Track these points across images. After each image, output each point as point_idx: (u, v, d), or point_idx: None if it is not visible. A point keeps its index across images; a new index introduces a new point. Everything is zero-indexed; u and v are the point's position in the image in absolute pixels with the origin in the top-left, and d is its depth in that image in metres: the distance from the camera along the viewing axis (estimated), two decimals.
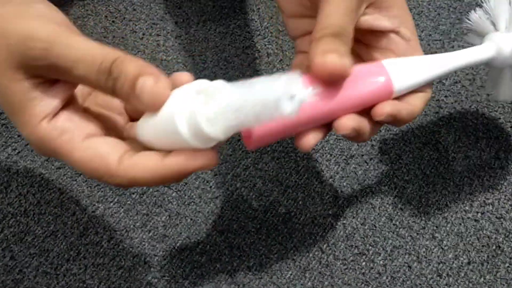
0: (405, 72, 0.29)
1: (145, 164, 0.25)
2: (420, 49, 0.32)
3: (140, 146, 0.27)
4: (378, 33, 0.32)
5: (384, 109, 0.29)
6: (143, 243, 0.41)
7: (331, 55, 0.26)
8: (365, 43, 0.33)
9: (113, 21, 0.50)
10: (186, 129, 0.24)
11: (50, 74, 0.25)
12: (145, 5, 0.51)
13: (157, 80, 0.25)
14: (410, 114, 0.30)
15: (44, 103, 0.25)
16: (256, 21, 0.50)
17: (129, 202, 0.42)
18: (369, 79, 0.29)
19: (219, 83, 0.25)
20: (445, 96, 0.46)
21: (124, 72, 0.24)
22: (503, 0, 0.34)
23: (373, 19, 0.31)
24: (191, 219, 0.42)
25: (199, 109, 0.24)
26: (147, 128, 0.26)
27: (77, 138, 0.26)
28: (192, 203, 0.42)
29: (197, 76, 0.47)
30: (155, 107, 0.25)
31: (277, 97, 0.22)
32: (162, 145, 0.26)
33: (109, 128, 0.28)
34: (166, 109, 0.25)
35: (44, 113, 0.25)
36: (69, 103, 0.27)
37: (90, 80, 0.25)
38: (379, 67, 0.30)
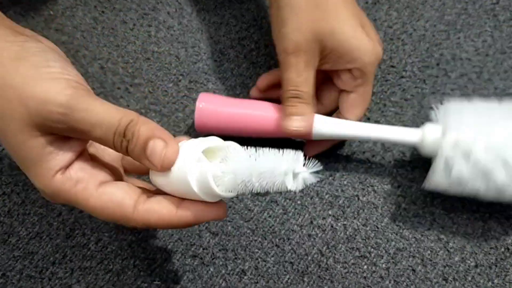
0: (326, 127, 0.37)
1: (159, 213, 0.28)
2: (367, 85, 0.38)
3: (150, 188, 0.30)
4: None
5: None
6: (133, 245, 0.39)
7: (293, 118, 0.37)
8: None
9: (102, 11, 0.48)
10: (197, 187, 0.27)
11: (66, 134, 0.27)
12: None
13: (166, 145, 0.27)
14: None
15: (59, 158, 0.27)
16: (252, 11, 0.48)
17: None
18: None
19: (231, 145, 0.28)
20: (451, 90, 0.44)
21: (136, 135, 0.27)
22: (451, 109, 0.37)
23: (331, 66, 0.38)
24: None
25: (209, 170, 0.27)
26: (161, 179, 0.29)
27: (91, 187, 0.28)
28: None
29: (191, 69, 0.45)
30: (164, 169, 0.28)
31: (282, 172, 0.26)
32: (175, 193, 0.29)
33: (116, 174, 0.31)
34: (178, 166, 0.27)
35: (59, 166, 0.27)
36: (80, 153, 0.29)
37: (106, 141, 0.27)
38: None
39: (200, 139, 0.29)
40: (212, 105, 0.39)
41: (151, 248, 0.38)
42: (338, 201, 0.40)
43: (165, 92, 0.44)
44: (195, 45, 0.46)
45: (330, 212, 0.40)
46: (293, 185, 0.27)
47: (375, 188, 0.40)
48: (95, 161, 0.30)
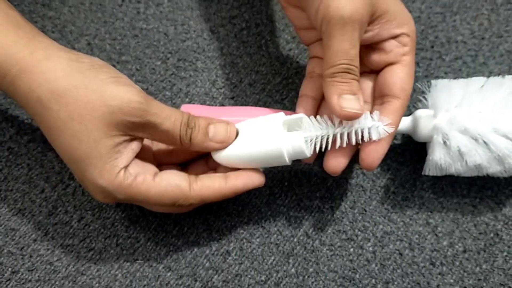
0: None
1: (212, 187, 0.33)
2: (413, 52, 0.35)
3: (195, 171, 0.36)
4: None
5: (376, 162, 0.34)
6: (116, 224, 0.38)
7: (346, 98, 0.32)
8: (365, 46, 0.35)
9: None
10: (287, 154, 0.33)
11: (138, 130, 0.32)
12: None
13: (227, 124, 0.34)
14: (392, 137, 0.34)
15: (124, 157, 0.31)
16: None
17: None
18: None
19: (303, 117, 0.34)
20: (445, 73, 0.43)
21: (198, 123, 0.33)
22: (441, 87, 0.36)
23: (372, 36, 0.34)
24: None
25: (301, 137, 0.33)
26: (237, 154, 0.34)
27: (149, 177, 0.32)
28: None
29: (179, 47, 0.44)
30: (229, 141, 0.33)
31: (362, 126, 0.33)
32: (249, 165, 0.34)
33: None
34: (264, 138, 0.33)
35: (123, 164, 0.31)
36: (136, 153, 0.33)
37: (173, 132, 0.32)
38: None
39: (262, 117, 0.34)
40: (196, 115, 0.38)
41: (135, 227, 0.38)
42: (326, 183, 0.39)
43: (152, 70, 0.43)
44: (184, 23, 0.45)
45: (317, 194, 0.39)
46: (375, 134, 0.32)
47: (364, 170, 0.40)
48: (142, 157, 0.34)
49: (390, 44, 0.34)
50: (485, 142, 0.33)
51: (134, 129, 0.31)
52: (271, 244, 0.37)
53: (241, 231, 0.38)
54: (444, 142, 0.34)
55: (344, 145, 0.33)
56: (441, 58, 0.44)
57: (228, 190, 0.33)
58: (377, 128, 0.32)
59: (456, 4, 0.46)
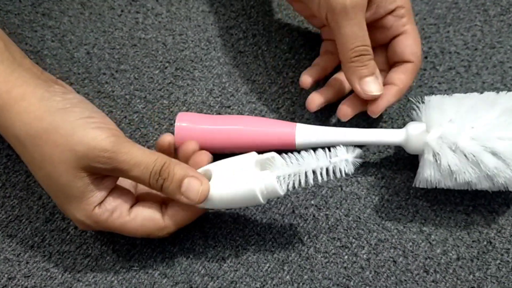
0: (309, 136, 0.38)
1: (182, 211, 0.34)
2: (412, 20, 0.38)
3: (160, 197, 0.36)
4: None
5: (379, 109, 0.38)
6: None
7: (367, 80, 0.36)
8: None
9: None
10: (260, 194, 0.33)
11: (108, 173, 0.33)
12: None
13: (201, 182, 0.33)
14: (402, 93, 0.39)
15: (97, 194, 0.32)
16: (241, 0, 0.47)
17: None
18: (281, 134, 0.39)
19: (273, 155, 0.34)
20: (439, 83, 0.44)
21: (172, 174, 0.32)
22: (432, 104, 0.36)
23: (371, 15, 0.37)
24: None
25: (273, 178, 0.33)
26: (215, 198, 0.33)
27: (125, 212, 0.33)
28: None
29: (177, 56, 0.45)
30: (199, 202, 0.33)
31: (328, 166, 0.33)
32: (227, 205, 0.35)
33: (133, 195, 0.35)
34: (236, 181, 0.33)
35: (97, 201, 0.33)
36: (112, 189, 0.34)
37: (143, 179, 0.32)
38: (292, 128, 0.39)
39: (235, 158, 0.34)
40: (191, 124, 0.39)
41: None
42: (321, 191, 0.40)
43: (150, 79, 0.44)
44: (182, 32, 0.46)
45: (312, 202, 0.39)
46: (346, 170, 0.33)
47: (359, 179, 0.40)
48: (119, 189, 0.34)
49: (388, 20, 0.37)
50: (475, 160, 0.34)
51: (103, 172, 0.32)
52: (266, 251, 0.38)
53: (237, 238, 0.38)
54: (435, 160, 0.35)
55: (320, 180, 0.33)
56: (435, 68, 0.44)
57: (200, 210, 0.35)
58: (348, 161, 0.32)
59: (449, 15, 0.47)
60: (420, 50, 0.38)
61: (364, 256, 0.38)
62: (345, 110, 0.38)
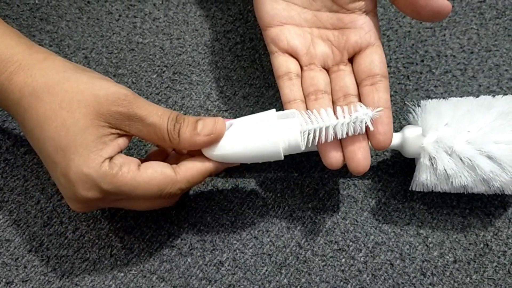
0: (307, 141, 0.36)
1: (195, 166, 0.33)
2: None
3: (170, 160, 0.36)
4: None
5: (389, 141, 0.35)
6: (110, 234, 0.38)
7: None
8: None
9: (88, 1, 0.48)
10: (282, 149, 0.33)
11: (125, 123, 0.32)
12: None
13: (215, 120, 0.33)
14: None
15: (110, 149, 0.32)
16: (239, 4, 0.48)
17: None
18: None
19: (293, 112, 0.34)
20: (435, 86, 0.44)
21: (187, 119, 0.33)
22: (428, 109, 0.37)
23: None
24: (162, 211, 0.39)
25: (297, 128, 0.33)
26: (231, 147, 0.33)
27: (134, 167, 0.32)
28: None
29: (175, 60, 0.45)
30: (216, 138, 0.33)
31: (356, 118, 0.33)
32: (243, 159, 0.34)
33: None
34: (258, 131, 0.33)
35: (108, 155, 0.31)
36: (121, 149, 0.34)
37: (159, 126, 0.32)
38: None
39: (259, 114, 0.34)
40: None
41: (129, 238, 0.38)
42: (319, 194, 0.40)
43: (148, 83, 0.44)
44: (180, 37, 0.46)
45: (310, 205, 0.40)
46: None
47: (356, 182, 0.40)
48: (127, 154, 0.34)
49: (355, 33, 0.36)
50: (471, 164, 0.34)
51: (121, 120, 0.32)
52: (264, 255, 0.38)
53: (234, 241, 0.38)
54: (431, 164, 0.35)
55: (340, 137, 0.33)
56: (431, 71, 0.45)
57: (212, 166, 0.34)
58: (368, 115, 0.32)
59: (445, 19, 0.47)
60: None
61: (362, 259, 0.38)
62: (335, 156, 0.34)
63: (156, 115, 0.32)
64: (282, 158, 0.33)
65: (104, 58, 0.45)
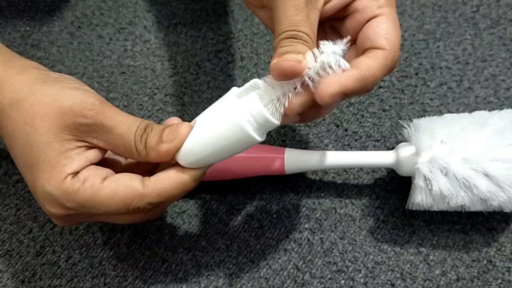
0: (298, 161, 0.36)
1: (168, 177, 0.30)
2: (391, 4, 0.30)
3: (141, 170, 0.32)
4: (347, 4, 0.31)
5: (328, 92, 0.27)
6: (104, 262, 0.38)
7: (287, 56, 0.27)
8: (336, 18, 0.32)
9: (79, 27, 0.48)
10: (250, 126, 0.28)
11: (91, 135, 0.30)
12: (113, 9, 0.49)
13: (179, 125, 0.30)
14: (364, 82, 0.28)
15: (75, 163, 0.29)
16: (229, 24, 0.47)
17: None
18: (269, 160, 0.36)
19: (255, 81, 0.29)
20: (430, 99, 0.43)
21: (155, 128, 0.30)
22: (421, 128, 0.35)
23: (337, 3, 0.31)
24: (156, 236, 0.38)
25: (257, 103, 0.27)
26: (201, 145, 0.29)
27: (98, 181, 0.29)
28: (158, 219, 0.39)
29: (166, 82, 0.45)
30: (176, 143, 0.30)
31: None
32: (217, 157, 0.29)
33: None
34: (221, 117, 0.28)
35: (72, 170, 0.29)
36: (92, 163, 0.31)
37: (127, 137, 0.30)
38: (281, 153, 0.37)
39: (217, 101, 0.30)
40: None
41: (122, 266, 0.37)
42: (315, 214, 0.39)
43: (140, 106, 0.44)
44: (171, 58, 0.46)
45: (306, 226, 0.39)
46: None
47: (353, 200, 0.39)
48: (100, 163, 0.31)
49: (361, 2, 0.30)
50: (467, 184, 0.33)
51: (87, 132, 0.30)
52: (261, 279, 0.37)
53: (230, 266, 0.37)
54: (426, 184, 0.34)
55: (313, 89, 0.27)
56: (426, 84, 0.44)
57: (188, 177, 0.30)
58: (336, 53, 0.26)
59: (439, 30, 0.46)
60: (398, 39, 0.29)
61: (361, 280, 0.37)
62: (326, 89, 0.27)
63: (125, 125, 0.30)
64: (259, 139, 0.28)
65: (95, 82, 0.45)
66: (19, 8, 0.49)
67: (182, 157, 0.30)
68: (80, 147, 0.30)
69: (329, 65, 0.26)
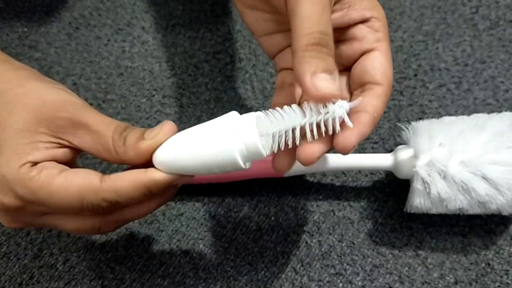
0: (296, 164, 0.31)
1: (128, 177, 0.28)
2: (387, 39, 0.31)
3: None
4: (345, 27, 0.31)
5: (351, 145, 0.27)
6: (101, 265, 0.38)
7: (321, 77, 0.26)
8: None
9: (77, 28, 0.47)
10: (240, 155, 0.27)
11: (68, 131, 0.29)
12: (111, 10, 0.48)
13: (162, 125, 0.29)
14: (374, 124, 0.29)
15: (41, 154, 0.28)
16: (227, 25, 0.47)
17: None
18: (267, 163, 0.32)
19: (257, 115, 0.28)
20: (429, 101, 0.43)
21: (136, 129, 0.29)
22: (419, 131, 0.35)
23: (341, 17, 0.30)
24: (154, 239, 0.38)
25: (255, 138, 0.27)
26: (187, 156, 0.28)
27: (55, 172, 0.28)
28: (155, 221, 0.39)
29: (164, 83, 0.45)
30: (158, 139, 0.29)
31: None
32: (199, 170, 0.28)
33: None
34: (216, 141, 0.27)
35: (35, 159, 0.28)
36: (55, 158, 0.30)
37: (106, 134, 0.29)
38: None
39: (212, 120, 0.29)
40: None
41: (120, 268, 0.37)
42: (313, 217, 0.39)
43: (138, 108, 0.44)
44: (169, 59, 0.46)
45: (304, 228, 0.39)
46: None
47: (351, 202, 0.39)
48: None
49: (362, 30, 0.30)
50: (466, 187, 0.33)
51: (64, 128, 0.29)
52: (259, 282, 0.37)
53: (228, 268, 0.37)
54: (424, 188, 0.34)
55: (309, 139, 0.27)
56: (425, 86, 0.44)
57: (148, 180, 0.28)
58: (343, 108, 0.26)
59: (438, 31, 0.46)
60: (392, 78, 0.30)
61: (359, 283, 0.37)
62: (310, 150, 0.28)
63: (104, 123, 0.29)
64: (244, 167, 0.28)
65: (93, 84, 0.45)
66: (17, 9, 0.48)
67: (158, 156, 0.28)
68: (52, 142, 0.29)
69: (339, 117, 0.26)
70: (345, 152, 0.27)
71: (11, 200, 0.28)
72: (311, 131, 0.27)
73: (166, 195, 0.31)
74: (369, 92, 0.29)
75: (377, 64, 0.30)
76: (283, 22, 0.31)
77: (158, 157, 0.28)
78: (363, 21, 0.30)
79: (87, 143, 0.29)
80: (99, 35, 0.47)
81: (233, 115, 0.28)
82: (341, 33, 0.31)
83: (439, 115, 0.42)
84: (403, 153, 0.36)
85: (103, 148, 0.29)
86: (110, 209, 0.29)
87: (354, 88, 0.31)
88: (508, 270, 0.37)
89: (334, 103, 0.26)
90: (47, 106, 0.29)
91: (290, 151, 0.29)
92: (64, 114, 0.29)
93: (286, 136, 0.27)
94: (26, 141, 0.28)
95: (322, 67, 0.26)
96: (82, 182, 0.28)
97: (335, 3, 0.29)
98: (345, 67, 0.32)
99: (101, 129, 0.29)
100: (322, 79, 0.26)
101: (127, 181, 0.28)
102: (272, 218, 0.39)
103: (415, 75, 0.44)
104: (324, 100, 0.26)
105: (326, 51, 0.27)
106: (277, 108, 0.27)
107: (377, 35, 0.30)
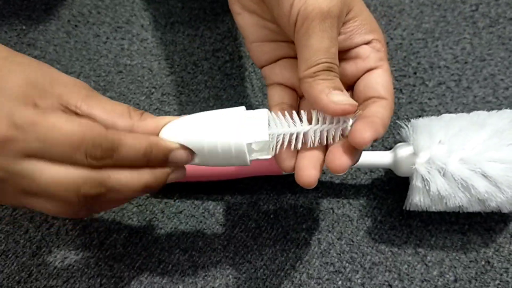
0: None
1: (134, 132, 0.29)
2: (386, 58, 0.33)
3: None
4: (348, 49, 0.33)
5: (366, 139, 0.29)
6: (100, 263, 0.37)
7: (336, 93, 0.29)
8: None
9: (76, 25, 0.47)
10: (248, 154, 0.29)
11: (81, 99, 0.29)
12: (110, 8, 0.48)
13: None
14: (384, 128, 0.30)
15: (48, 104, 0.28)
16: (227, 23, 0.47)
17: (86, 219, 0.39)
18: (267, 161, 0.32)
19: (264, 111, 0.30)
20: (429, 99, 0.43)
21: (147, 113, 0.30)
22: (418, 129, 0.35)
23: (344, 40, 0.32)
24: (152, 237, 0.38)
25: (265, 136, 0.29)
26: (186, 131, 0.29)
27: (62, 113, 0.27)
28: (154, 219, 0.39)
29: (164, 81, 0.44)
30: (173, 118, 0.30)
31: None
32: (209, 161, 0.30)
33: None
34: (226, 132, 0.29)
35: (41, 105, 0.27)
36: None
37: (122, 110, 0.29)
38: None
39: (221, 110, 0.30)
40: None
41: (118, 266, 0.37)
42: (313, 214, 0.39)
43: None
44: (168, 57, 0.46)
45: (304, 226, 0.38)
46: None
47: (350, 200, 0.39)
48: None
49: (365, 50, 0.32)
50: (465, 185, 0.33)
51: (76, 97, 0.28)
52: (258, 279, 0.37)
53: (227, 266, 0.37)
54: (424, 185, 0.34)
55: (312, 145, 0.29)
56: (424, 84, 0.44)
57: (153, 138, 0.29)
58: (347, 122, 0.29)
59: (437, 29, 0.46)
60: (393, 91, 0.33)
61: (359, 280, 0.36)
62: (341, 159, 0.29)
63: (117, 104, 0.29)
64: (248, 163, 0.29)
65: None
66: (16, 7, 0.48)
67: (167, 128, 0.29)
68: (62, 105, 0.28)
69: (337, 131, 0.29)
70: (360, 145, 0.28)
71: (3, 127, 0.25)
72: (313, 137, 0.29)
73: (157, 177, 0.30)
74: (375, 104, 0.31)
75: (381, 81, 0.32)
76: (279, 33, 0.33)
77: (167, 130, 0.29)
78: (365, 43, 0.32)
79: (98, 109, 0.29)
80: (98, 33, 0.47)
81: (242, 110, 0.30)
82: (344, 53, 0.32)
83: (438, 113, 0.42)
84: (403, 151, 0.35)
85: (117, 113, 0.29)
86: (103, 160, 0.27)
87: (359, 103, 0.32)
88: (507, 268, 0.36)
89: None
90: (61, 78, 0.29)
91: (293, 152, 0.30)
92: (77, 89, 0.29)
93: (290, 139, 0.29)
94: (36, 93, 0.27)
95: (333, 87, 0.29)
96: (88, 123, 0.27)
97: (342, 25, 0.31)
98: (347, 85, 0.33)
99: (116, 102, 0.30)
100: (338, 95, 0.29)
101: (132, 134, 0.28)
102: (271, 216, 0.39)
103: (415, 73, 0.44)
104: (345, 112, 0.29)
105: (334, 74, 0.30)
106: (286, 113, 0.30)
107: (380, 55, 0.32)
